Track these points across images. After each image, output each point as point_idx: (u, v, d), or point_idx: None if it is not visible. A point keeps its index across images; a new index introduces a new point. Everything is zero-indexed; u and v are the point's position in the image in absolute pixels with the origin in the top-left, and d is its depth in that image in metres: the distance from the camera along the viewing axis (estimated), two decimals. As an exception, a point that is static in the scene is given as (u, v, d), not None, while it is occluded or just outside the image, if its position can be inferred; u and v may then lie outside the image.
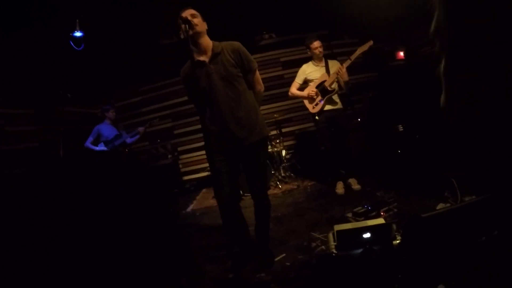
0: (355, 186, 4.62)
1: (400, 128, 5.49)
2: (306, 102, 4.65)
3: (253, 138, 2.78)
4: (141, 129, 5.81)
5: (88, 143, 5.55)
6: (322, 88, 4.47)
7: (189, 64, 2.72)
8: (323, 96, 4.47)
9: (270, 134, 6.57)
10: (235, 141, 2.75)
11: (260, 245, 3.05)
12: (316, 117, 4.53)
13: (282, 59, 7.63)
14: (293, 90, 4.72)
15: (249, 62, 2.78)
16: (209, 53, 2.71)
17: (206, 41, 2.72)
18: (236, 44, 2.76)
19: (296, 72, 4.83)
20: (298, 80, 4.72)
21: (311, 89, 4.53)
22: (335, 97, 4.57)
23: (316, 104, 4.51)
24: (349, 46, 7.25)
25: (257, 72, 2.90)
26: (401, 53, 7.02)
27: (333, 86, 4.44)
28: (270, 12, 6.11)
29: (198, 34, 2.62)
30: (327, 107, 4.52)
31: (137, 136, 5.85)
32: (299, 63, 5.14)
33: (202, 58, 2.70)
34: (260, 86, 2.96)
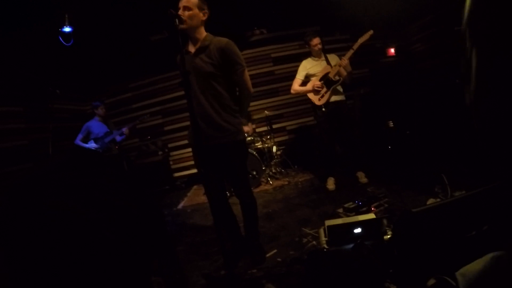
0: (363, 179, 4.62)
1: (391, 124, 5.52)
2: (311, 95, 4.62)
3: (221, 139, 2.68)
4: (125, 129, 5.66)
5: (78, 141, 5.50)
6: (326, 80, 4.47)
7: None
8: (328, 87, 4.46)
9: (261, 130, 6.66)
10: (210, 137, 2.67)
11: (250, 242, 3.03)
12: (323, 109, 4.51)
13: (272, 55, 7.61)
14: (296, 86, 4.69)
15: (234, 63, 2.66)
16: (198, 45, 2.66)
17: (199, 33, 2.67)
18: (224, 41, 2.64)
19: (287, 68, 4.83)
20: (300, 76, 4.69)
21: (315, 82, 4.52)
22: (339, 88, 4.59)
23: (322, 96, 4.51)
24: (341, 42, 7.28)
25: (245, 75, 2.74)
26: (392, 50, 7.07)
27: (337, 77, 4.44)
28: (262, 8, 6.09)
29: (186, 30, 2.58)
30: (333, 98, 4.52)
31: (123, 137, 5.73)
32: (290, 59, 5.17)
33: (190, 48, 2.67)
34: (248, 90, 2.79)
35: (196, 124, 2.57)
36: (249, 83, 2.79)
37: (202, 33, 2.69)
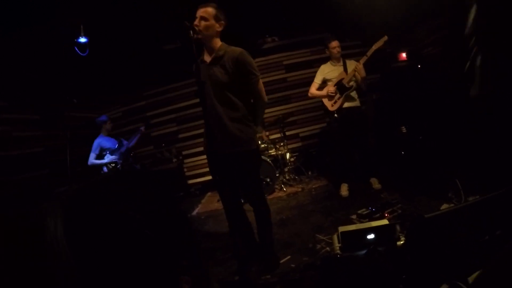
0: (376, 185, 4.62)
1: (404, 129, 5.50)
2: (325, 100, 4.66)
3: (235, 148, 2.72)
4: (142, 128, 5.76)
5: (92, 160, 5.39)
6: (340, 86, 4.50)
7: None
8: (341, 94, 4.49)
9: (274, 137, 6.69)
10: (223, 146, 2.72)
11: (263, 249, 3.04)
12: (335, 115, 4.53)
13: (285, 62, 7.65)
14: (313, 90, 4.74)
15: (249, 73, 2.69)
16: (214, 55, 2.70)
17: (214, 43, 2.71)
18: (238, 51, 2.67)
19: (299, 75, 4.86)
20: (317, 80, 4.73)
21: (329, 88, 4.55)
22: (353, 94, 4.61)
23: (335, 102, 4.53)
24: (351, 49, 7.28)
25: (260, 84, 2.78)
26: (404, 54, 7.03)
27: (351, 83, 4.47)
28: (273, 16, 6.15)
29: (201, 40, 2.62)
30: (346, 105, 4.55)
31: (138, 135, 5.77)
32: (302, 66, 5.20)
33: (206, 57, 2.72)
34: (262, 99, 2.84)
35: (211, 132, 2.64)
36: (264, 92, 2.83)
37: (217, 43, 2.72)
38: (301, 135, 7.64)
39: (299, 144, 7.61)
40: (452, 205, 3.10)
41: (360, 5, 5.37)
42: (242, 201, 3.18)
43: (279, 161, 6.17)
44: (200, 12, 2.61)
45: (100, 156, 5.47)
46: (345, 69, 4.58)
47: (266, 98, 2.88)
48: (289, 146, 6.68)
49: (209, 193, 6.96)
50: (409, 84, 6.00)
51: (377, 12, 5.43)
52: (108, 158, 5.42)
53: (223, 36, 2.81)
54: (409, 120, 5.47)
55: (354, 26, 6.47)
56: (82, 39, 4.78)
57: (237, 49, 2.69)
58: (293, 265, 2.90)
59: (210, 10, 2.62)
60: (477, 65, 1.43)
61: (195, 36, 2.52)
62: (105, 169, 5.43)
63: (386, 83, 6.98)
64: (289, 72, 7.61)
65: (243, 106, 2.76)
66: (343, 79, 4.49)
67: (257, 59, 7.48)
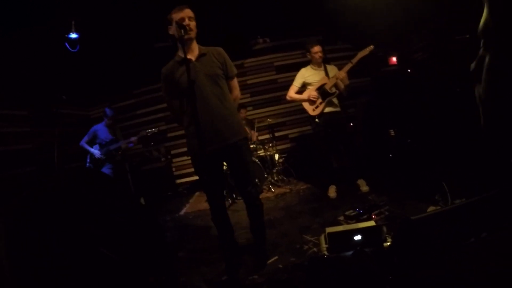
0: (364, 187, 4.58)
1: (392, 132, 5.55)
2: (305, 104, 4.63)
3: (237, 136, 2.83)
4: (133, 139, 5.64)
5: (83, 142, 5.51)
6: (322, 91, 4.49)
7: (172, 62, 2.82)
8: (323, 99, 4.49)
9: (264, 138, 6.70)
10: (221, 139, 2.75)
11: (257, 245, 3.08)
12: (316, 120, 4.53)
13: (276, 64, 7.68)
14: (292, 94, 4.70)
15: (231, 67, 2.90)
16: (196, 53, 2.78)
17: (194, 44, 2.80)
18: (220, 49, 2.88)
19: (290, 76, 4.85)
20: (297, 84, 4.69)
21: (311, 92, 4.55)
22: (335, 100, 4.59)
23: (317, 107, 4.53)
24: (343, 51, 7.34)
25: (236, 79, 3.01)
26: (394, 59, 7.10)
27: (333, 89, 4.47)
28: (265, 17, 6.16)
29: (191, 40, 2.71)
30: (327, 109, 4.53)
31: (131, 145, 5.73)
32: (293, 67, 5.22)
33: (190, 56, 2.73)
34: (237, 92, 3.06)
35: (205, 130, 2.65)
36: (238, 86, 3.08)
37: (196, 44, 2.82)
38: (290, 136, 7.66)
39: (288, 145, 7.63)
40: (438, 207, 3.13)
41: (353, 8, 5.41)
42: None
43: (267, 162, 6.17)
44: (188, 13, 2.67)
45: (91, 142, 5.49)
46: (327, 74, 4.57)
47: (240, 93, 3.14)
48: (278, 147, 6.69)
49: (197, 193, 6.93)
50: (399, 88, 6.06)
51: (369, 16, 5.48)
52: (94, 149, 5.43)
53: (214, 36, 2.85)
54: (398, 123, 5.53)
55: (346, 29, 6.51)
56: (73, 35, 4.73)
57: (217, 47, 2.89)
58: (280, 266, 2.90)
59: (191, 11, 2.71)
60: (484, 65, 1.47)
61: (190, 33, 2.63)
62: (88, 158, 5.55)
63: (376, 86, 7.05)
64: (280, 73, 7.63)
65: (231, 96, 2.93)
66: (325, 84, 4.49)
67: (248, 60, 7.50)
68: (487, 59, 1.45)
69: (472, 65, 1.56)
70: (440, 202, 3.28)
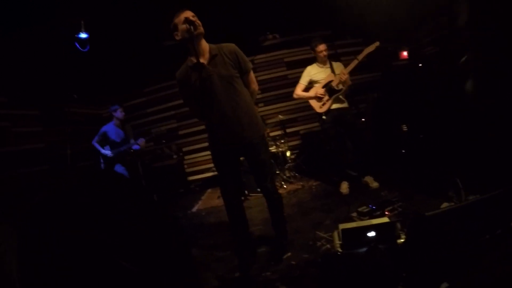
0: (373, 184, 4.55)
1: (405, 128, 5.49)
2: (312, 102, 4.64)
3: (253, 136, 2.86)
4: (140, 141, 5.62)
5: (95, 142, 5.56)
6: (329, 88, 4.49)
7: (185, 67, 2.83)
8: (330, 96, 4.48)
9: (275, 135, 6.70)
10: (238, 140, 2.81)
11: (278, 239, 3.17)
12: (323, 117, 4.52)
13: (286, 60, 7.66)
14: (298, 91, 4.71)
15: (245, 63, 2.86)
16: (207, 55, 2.77)
17: (204, 43, 2.79)
18: (232, 45, 2.85)
19: (300, 72, 4.82)
20: (303, 82, 4.70)
21: (318, 89, 4.54)
22: (342, 96, 4.58)
23: (324, 104, 4.52)
24: (353, 46, 7.28)
25: (252, 72, 2.98)
26: (405, 53, 7.03)
27: (339, 86, 4.45)
28: (274, 13, 6.14)
29: (201, 35, 2.71)
30: (334, 106, 4.52)
31: (138, 148, 5.71)
32: (303, 63, 5.19)
33: (200, 60, 2.74)
34: (255, 85, 3.05)
35: (225, 129, 2.77)
36: (255, 79, 3.07)
37: (206, 43, 2.82)
38: (301, 132, 7.65)
39: (300, 141, 7.61)
40: (452, 204, 3.10)
41: (363, 3, 5.37)
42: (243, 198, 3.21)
43: (279, 158, 6.17)
44: (189, 12, 2.71)
45: (102, 143, 5.54)
46: (333, 71, 4.56)
47: (258, 85, 3.12)
48: (290, 144, 6.68)
49: (209, 190, 6.97)
50: (410, 82, 6.00)
51: (379, 11, 5.43)
52: (106, 150, 5.47)
53: (224, 32, 2.85)
54: (410, 118, 5.47)
55: (356, 24, 6.46)
56: (83, 35, 4.77)
57: (229, 44, 2.87)
58: (293, 262, 2.91)
59: (191, 12, 2.75)
60: (472, 59, 1.48)
61: (200, 29, 2.65)
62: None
63: (387, 81, 6.99)
64: (290, 69, 7.61)
65: (248, 94, 2.94)
66: (331, 81, 4.47)
67: (258, 56, 7.49)
68: (474, 53, 1.46)
69: (463, 59, 1.57)
70: (454, 198, 3.25)
